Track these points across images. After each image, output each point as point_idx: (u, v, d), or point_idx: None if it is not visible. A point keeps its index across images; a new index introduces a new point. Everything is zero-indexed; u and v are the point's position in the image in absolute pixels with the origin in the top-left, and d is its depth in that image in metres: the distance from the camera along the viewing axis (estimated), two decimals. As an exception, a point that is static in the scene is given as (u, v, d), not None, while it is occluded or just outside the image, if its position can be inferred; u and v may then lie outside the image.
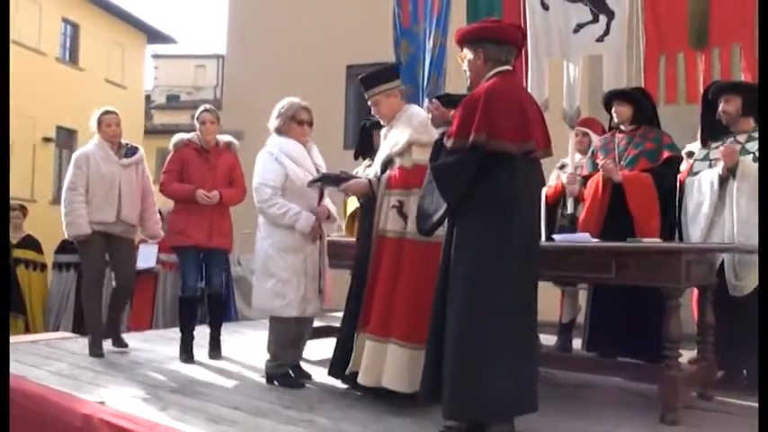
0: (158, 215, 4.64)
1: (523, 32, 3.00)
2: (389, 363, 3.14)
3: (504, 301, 2.65)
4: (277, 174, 3.68)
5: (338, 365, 3.50)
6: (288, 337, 3.78)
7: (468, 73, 2.95)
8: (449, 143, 2.75)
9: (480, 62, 2.86)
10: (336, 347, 3.55)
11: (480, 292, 2.66)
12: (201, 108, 4.54)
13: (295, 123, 3.79)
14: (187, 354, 4.39)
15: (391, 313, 3.18)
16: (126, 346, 4.62)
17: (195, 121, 4.48)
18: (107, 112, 4.62)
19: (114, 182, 4.49)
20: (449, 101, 3.79)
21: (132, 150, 4.66)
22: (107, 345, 4.59)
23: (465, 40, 2.93)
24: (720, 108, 3.81)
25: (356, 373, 3.30)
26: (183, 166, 4.40)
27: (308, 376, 3.90)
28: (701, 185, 3.77)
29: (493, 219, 2.69)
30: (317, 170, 3.78)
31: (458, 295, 2.71)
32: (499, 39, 2.86)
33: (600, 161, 4.01)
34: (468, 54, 2.91)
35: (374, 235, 3.35)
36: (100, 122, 4.58)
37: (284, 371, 3.77)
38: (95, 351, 4.47)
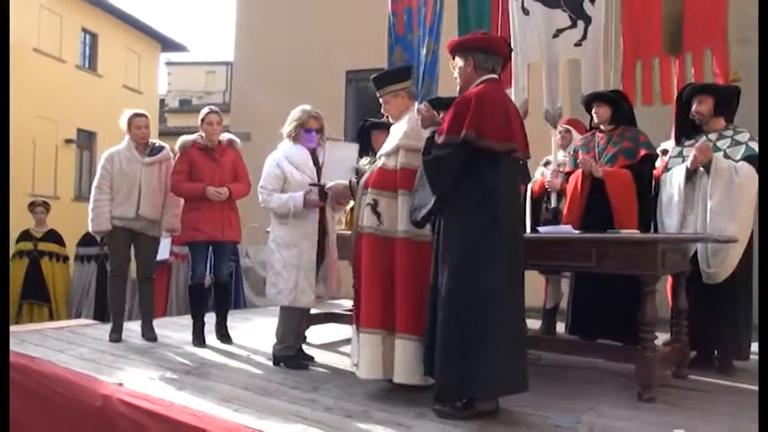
0: (179, 209, 4.51)
1: (509, 45, 3.00)
2: (399, 358, 2.99)
3: (491, 287, 2.66)
4: (275, 178, 3.77)
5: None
6: (293, 322, 3.78)
7: (458, 79, 2.99)
8: (440, 139, 2.78)
9: (470, 69, 2.90)
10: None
11: (468, 280, 2.67)
12: (207, 109, 4.48)
13: (303, 130, 3.82)
14: (199, 338, 4.38)
15: (391, 309, 3.03)
16: (155, 339, 4.50)
17: (200, 122, 4.43)
18: (137, 115, 4.57)
19: (135, 180, 4.43)
20: (440, 104, 3.78)
21: (157, 149, 4.58)
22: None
23: (457, 50, 2.98)
24: (693, 108, 3.80)
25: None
26: (190, 165, 4.36)
27: (311, 358, 3.90)
28: (672, 180, 3.77)
29: (478, 211, 2.71)
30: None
31: (447, 283, 2.71)
32: (487, 49, 2.90)
33: (580, 158, 4.00)
34: (459, 62, 2.95)
35: (354, 232, 3.32)
36: (130, 123, 4.53)
37: (289, 353, 3.77)
38: (114, 336, 4.46)
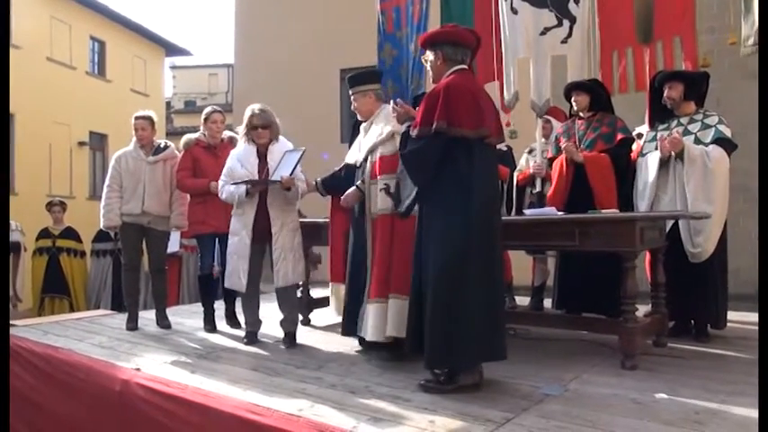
0: (185, 207, 4.48)
1: (477, 37, 2.97)
2: (391, 314, 3.14)
3: (468, 267, 2.64)
4: (226, 172, 3.86)
5: (348, 326, 3.56)
6: (245, 305, 4.00)
7: (430, 72, 2.97)
8: (414, 132, 2.76)
9: (440, 62, 2.86)
10: (345, 313, 3.58)
11: (449, 259, 2.65)
12: (211, 108, 4.45)
13: (249, 128, 3.84)
14: (210, 324, 4.37)
15: (389, 275, 3.18)
16: (169, 326, 4.50)
17: (203, 121, 4.38)
18: (135, 118, 4.55)
19: (140, 178, 4.42)
20: None
21: (162, 148, 4.54)
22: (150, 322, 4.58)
23: (427, 43, 2.95)
24: (665, 94, 3.78)
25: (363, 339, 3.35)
26: (194, 162, 4.32)
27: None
28: (648, 166, 3.75)
29: (455, 194, 2.68)
30: (266, 168, 3.78)
31: (431, 262, 2.70)
32: (455, 41, 2.86)
33: (563, 145, 3.98)
34: (429, 56, 2.92)
35: (367, 218, 3.39)
36: (133, 126, 4.54)
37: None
38: (130, 325, 4.46)
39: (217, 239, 4.38)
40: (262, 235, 3.75)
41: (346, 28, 9.06)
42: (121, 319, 4.67)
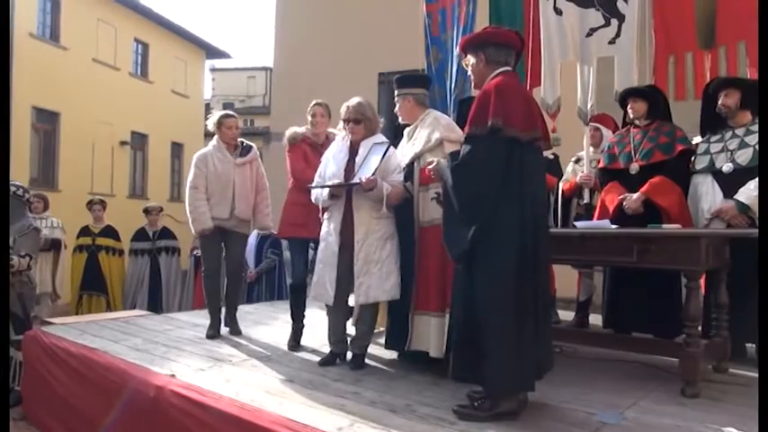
0: (269, 208, 4.30)
1: (521, 37, 2.79)
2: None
3: (518, 283, 2.42)
4: (319, 171, 3.57)
5: (392, 340, 3.43)
6: (331, 320, 3.60)
7: (472, 76, 2.79)
8: (467, 132, 2.56)
9: (483, 64, 2.68)
10: (391, 325, 3.44)
11: (496, 278, 2.43)
12: (313, 102, 4.08)
13: (343, 123, 3.51)
14: (295, 341, 3.94)
15: (445, 287, 3.04)
16: (239, 332, 4.30)
17: (308, 115, 4.02)
18: (228, 116, 4.28)
19: (229, 181, 4.17)
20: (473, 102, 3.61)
21: (247, 149, 4.31)
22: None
23: (468, 47, 2.77)
24: (720, 102, 3.53)
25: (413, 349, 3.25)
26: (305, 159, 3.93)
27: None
28: (703, 194, 3.51)
29: (504, 206, 2.46)
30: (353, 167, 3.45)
31: (477, 279, 2.49)
32: (498, 43, 2.68)
33: (625, 206, 3.59)
34: (471, 59, 2.75)
35: (416, 228, 3.26)
36: (220, 124, 4.24)
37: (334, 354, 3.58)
38: (211, 332, 4.22)
39: (311, 245, 4.04)
40: (351, 242, 3.31)
41: (385, 31, 8.96)
42: (157, 320, 4.63)
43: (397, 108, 3.51)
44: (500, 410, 2.49)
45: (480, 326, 2.45)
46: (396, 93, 3.49)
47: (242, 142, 4.35)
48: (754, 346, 3.54)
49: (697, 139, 4.08)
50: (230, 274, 4.46)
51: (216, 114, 4.29)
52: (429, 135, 3.28)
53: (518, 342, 2.42)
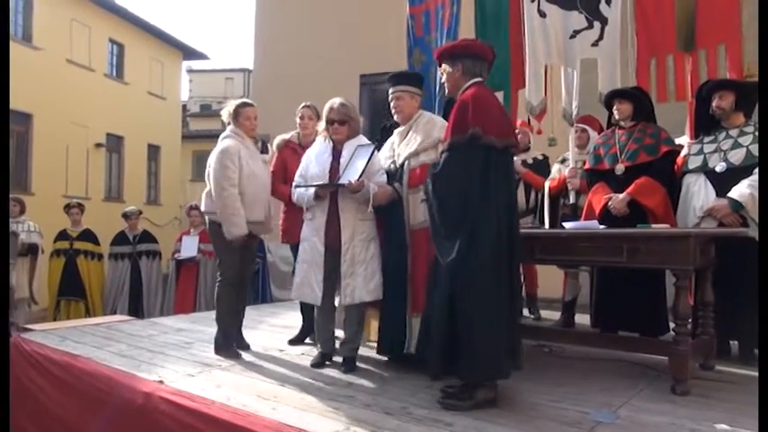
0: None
1: (494, 51, 2.91)
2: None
3: (482, 281, 2.55)
4: (299, 171, 3.55)
5: (386, 344, 3.40)
6: (318, 319, 3.60)
7: (446, 84, 2.92)
8: (446, 143, 2.71)
9: (459, 74, 2.84)
10: (384, 329, 3.41)
11: (468, 272, 2.55)
12: (301, 105, 3.99)
13: (326, 124, 3.50)
14: (300, 341, 3.96)
15: None
16: (247, 347, 3.87)
17: (296, 118, 3.96)
18: (245, 104, 3.73)
19: (262, 179, 3.71)
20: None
21: (264, 145, 3.88)
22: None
23: (445, 56, 2.92)
24: (714, 104, 3.59)
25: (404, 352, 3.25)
26: (283, 166, 3.87)
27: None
28: (695, 195, 3.54)
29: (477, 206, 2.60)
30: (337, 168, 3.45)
31: (449, 276, 2.60)
32: (475, 55, 2.84)
33: (611, 206, 3.62)
34: (447, 68, 2.88)
35: (406, 230, 3.27)
36: (237, 114, 3.68)
37: (322, 354, 3.54)
38: (220, 351, 3.73)
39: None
40: (335, 243, 3.28)
41: (366, 33, 8.94)
42: (140, 325, 4.54)
43: (393, 105, 3.45)
44: (479, 399, 2.62)
45: (458, 321, 2.55)
46: (391, 90, 3.46)
47: (254, 137, 3.87)
48: (737, 343, 3.62)
49: (680, 140, 4.16)
50: (246, 282, 4.08)
51: (231, 103, 3.81)
52: (427, 133, 3.29)
53: (495, 332, 2.55)
